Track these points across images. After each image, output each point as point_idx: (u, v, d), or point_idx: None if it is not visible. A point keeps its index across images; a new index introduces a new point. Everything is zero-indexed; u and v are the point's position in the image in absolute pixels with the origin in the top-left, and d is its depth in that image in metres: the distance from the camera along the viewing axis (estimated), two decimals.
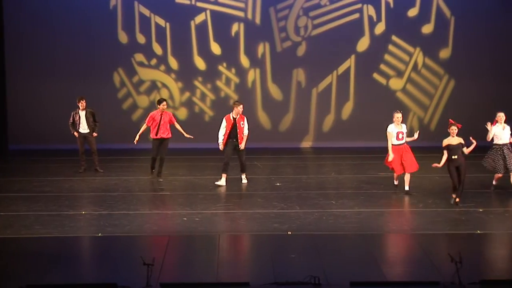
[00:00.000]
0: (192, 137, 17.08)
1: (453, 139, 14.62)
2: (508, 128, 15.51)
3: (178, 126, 17.29)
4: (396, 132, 15.40)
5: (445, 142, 14.64)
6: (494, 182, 15.68)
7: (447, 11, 21.61)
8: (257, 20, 21.81)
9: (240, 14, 21.81)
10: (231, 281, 10.55)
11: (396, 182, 15.88)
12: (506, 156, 15.38)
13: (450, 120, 14.92)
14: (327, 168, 18.90)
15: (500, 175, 15.52)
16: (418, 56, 21.79)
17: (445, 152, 14.56)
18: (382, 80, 21.85)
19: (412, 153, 15.51)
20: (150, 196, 15.89)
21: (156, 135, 16.98)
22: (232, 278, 10.69)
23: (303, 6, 21.78)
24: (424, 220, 13.94)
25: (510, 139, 15.53)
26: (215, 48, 21.88)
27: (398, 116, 15.46)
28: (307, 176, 17.89)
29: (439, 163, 14.58)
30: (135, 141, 16.99)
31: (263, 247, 12.32)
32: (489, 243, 12.58)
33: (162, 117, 16.85)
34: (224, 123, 16.62)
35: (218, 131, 16.62)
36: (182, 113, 21.72)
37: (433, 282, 10.43)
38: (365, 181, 17.07)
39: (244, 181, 17.02)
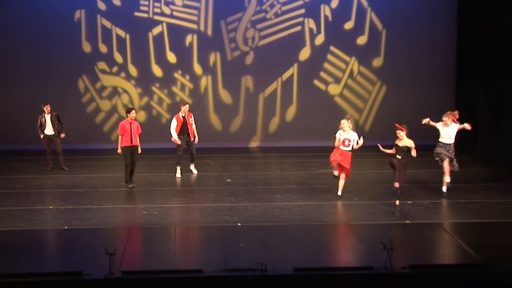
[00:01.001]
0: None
1: (401, 141, 14.34)
2: (454, 126, 14.99)
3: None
4: (343, 138, 14.94)
5: (396, 142, 14.42)
6: (447, 180, 15.08)
7: (379, 24, 21.77)
8: (209, 32, 21.77)
9: (194, 26, 21.75)
10: (186, 268, 10.53)
11: (336, 173, 15.24)
12: (451, 155, 14.96)
13: (395, 124, 14.58)
14: (272, 165, 18.93)
15: (446, 166, 14.98)
16: (354, 64, 21.92)
17: (394, 148, 14.43)
18: (322, 86, 21.94)
19: (349, 161, 15.03)
20: (113, 192, 15.79)
21: (131, 142, 16.06)
22: (187, 266, 10.66)
23: (251, 19, 21.79)
24: (359, 212, 14.05)
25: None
26: (171, 57, 21.80)
27: (347, 123, 14.95)
28: (255, 172, 17.91)
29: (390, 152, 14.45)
30: (119, 151, 16.22)
31: (215, 238, 12.31)
32: (417, 232, 12.72)
33: (132, 126, 16.17)
34: (174, 122, 17.13)
35: (170, 130, 17.09)
36: (141, 116, 21.58)
37: (367, 267, 10.52)
38: (307, 177, 17.13)
39: (195, 171, 17.28)
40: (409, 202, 14.40)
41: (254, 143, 22.06)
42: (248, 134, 22.05)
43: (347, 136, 14.91)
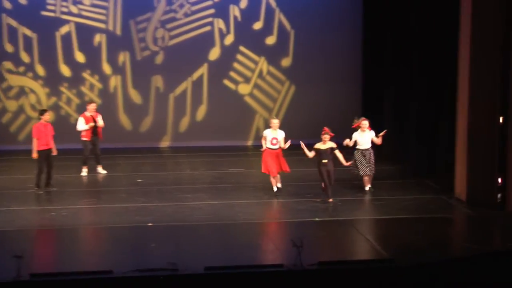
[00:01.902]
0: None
1: (323, 145, 14.48)
2: (370, 133, 15.22)
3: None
4: (271, 137, 14.98)
5: (316, 146, 14.50)
6: (366, 187, 15.35)
7: (287, 25, 21.95)
8: (118, 31, 21.53)
9: (102, 26, 21.47)
10: (96, 269, 10.40)
11: (277, 186, 15.18)
12: (369, 160, 15.15)
13: (325, 128, 14.62)
14: (183, 165, 18.87)
15: (367, 177, 15.28)
16: (263, 64, 22.03)
17: (313, 152, 14.56)
18: (232, 86, 21.98)
19: (282, 158, 15.10)
20: (20, 193, 15.44)
21: (47, 145, 15.70)
22: (97, 267, 10.53)
23: (160, 19, 21.64)
24: (269, 210, 14.14)
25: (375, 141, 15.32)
26: (79, 57, 21.46)
27: (274, 122, 15.02)
28: (166, 172, 17.82)
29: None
30: (34, 156, 15.75)
31: (125, 238, 12.20)
32: (327, 229, 12.88)
33: (46, 128, 15.75)
34: (82, 120, 17.16)
35: (77, 129, 17.26)
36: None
37: (277, 265, 10.60)
38: (217, 177, 17.14)
39: (103, 171, 17.16)
40: (318, 200, 14.57)
41: (164, 143, 21.93)
42: (158, 134, 21.91)
43: (275, 135, 14.97)
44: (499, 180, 14.12)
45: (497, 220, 13.37)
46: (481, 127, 14.16)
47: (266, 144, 15.04)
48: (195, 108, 21.99)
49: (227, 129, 21.75)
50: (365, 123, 15.26)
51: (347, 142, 15.08)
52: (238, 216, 13.56)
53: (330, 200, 14.44)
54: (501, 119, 14.02)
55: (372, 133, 15.29)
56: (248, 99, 22.14)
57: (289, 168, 15.20)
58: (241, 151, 20.72)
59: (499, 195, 14.12)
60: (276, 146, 15.01)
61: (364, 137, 15.23)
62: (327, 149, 14.39)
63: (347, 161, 14.64)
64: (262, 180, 16.05)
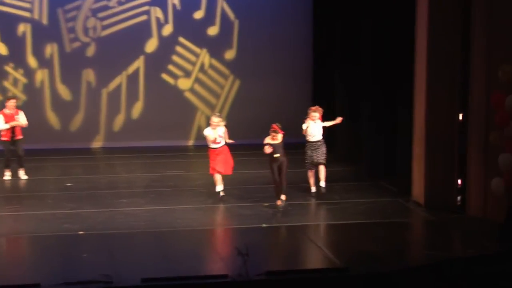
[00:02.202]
0: None
1: (276, 141, 14.42)
2: (320, 124, 15.23)
3: None
4: (213, 137, 14.86)
5: (267, 140, 14.43)
6: (321, 183, 15.31)
7: (231, 14, 21.95)
8: (45, 21, 21.26)
9: (27, 14, 21.17)
10: (22, 283, 10.23)
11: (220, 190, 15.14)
12: (317, 150, 15.16)
13: (273, 125, 14.51)
14: (118, 167, 18.74)
15: (313, 170, 15.27)
16: (205, 57, 22.01)
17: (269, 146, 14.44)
18: (171, 80, 21.91)
19: (230, 156, 15.06)
20: None
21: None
22: (23, 280, 10.37)
23: (91, 8, 21.45)
24: (212, 216, 14.11)
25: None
26: (1, 48, 21.14)
27: (215, 120, 14.90)
28: (98, 176, 17.66)
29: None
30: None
31: (53, 248, 12.05)
32: (275, 236, 12.91)
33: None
34: (1, 119, 16.84)
35: None
36: None
37: (221, 275, 10.57)
38: (155, 180, 17.06)
39: (24, 177, 16.91)
40: (266, 205, 14.57)
41: (97, 143, 21.75)
42: (90, 134, 21.72)
43: (216, 134, 14.90)
44: (459, 181, 14.29)
45: (457, 225, 13.54)
46: (440, 125, 14.30)
47: (210, 145, 14.96)
48: (130, 105, 21.86)
49: (166, 127, 21.66)
50: (314, 114, 15.18)
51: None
52: (178, 223, 13.49)
53: (283, 198, 14.36)
54: (460, 116, 14.20)
55: (320, 123, 15.28)
56: (188, 95, 22.09)
57: (232, 170, 15.12)
58: (181, 151, 20.65)
59: (458, 198, 14.31)
60: (220, 145, 14.94)
61: (313, 127, 15.22)
62: (279, 143, 14.34)
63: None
64: (205, 183, 16.00)
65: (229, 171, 15.10)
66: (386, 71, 16.78)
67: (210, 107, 22.11)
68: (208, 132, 15.00)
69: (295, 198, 15.18)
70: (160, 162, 19.11)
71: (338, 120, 15.38)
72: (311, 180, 15.40)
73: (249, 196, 15.30)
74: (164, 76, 21.91)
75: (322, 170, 15.24)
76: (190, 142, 21.76)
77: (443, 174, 14.37)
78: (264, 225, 13.31)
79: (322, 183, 15.30)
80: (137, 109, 21.90)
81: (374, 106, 17.20)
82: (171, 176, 17.47)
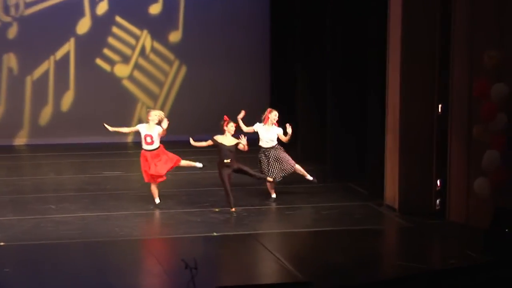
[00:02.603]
0: None
1: (226, 139, 14.46)
2: (277, 129, 15.27)
3: None
4: (144, 134, 14.70)
5: (217, 138, 14.42)
6: (272, 194, 15.47)
7: None
8: None
9: None
10: None
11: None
12: (270, 160, 15.22)
13: (225, 116, 14.60)
14: (45, 168, 18.64)
15: (270, 180, 15.30)
16: (146, 39, 21.97)
17: (209, 141, 14.49)
18: (106, 67, 21.83)
19: (165, 159, 14.89)
20: None
21: None
22: None
23: None
24: (156, 223, 14.13)
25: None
26: None
27: (153, 114, 14.77)
28: (22, 177, 17.58)
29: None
30: None
31: None
32: (227, 246, 12.95)
33: None
34: None
35: None
36: None
37: None
38: (89, 182, 17.02)
39: None
40: (217, 210, 14.61)
41: (20, 140, 21.63)
42: (12, 129, 21.59)
43: (150, 131, 14.72)
44: (438, 182, 14.45)
45: (436, 232, 13.70)
46: (416, 117, 14.43)
47: (142, 145, 14.86)
48: (59, 95, 21.76)
49: (101, 121, 21.55)
50: (273, 115, 15.25)
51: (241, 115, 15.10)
52: (116, 232, 13.49)
53: (233, 209, 14.50)
54: (440, 108, 14.32)
55: (279, 130, 15.33)
56: (127, 84, 22.04)
57: (165, 173, 14.97)
58: (119, 149, 20.59)
59: (437, 201, 14.45)
60: (153, 146, 14.75)
61: (268, 132, 15.29)
62: (231, 145, 14.36)
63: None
64: (147, 185, 16.02)
65: (161, 171, 14.72)
66: (354, 56, 16.83)
67: (153, 98, 22.07)
68: (140, 129, 14.80)
69: (251, 202, 15.24)
70: (95, 162, 19.07)
71: (289, 130, 15.26)
72: (270, 187, 15.51)
73: (198, 200, 15.33)
74: (99, 61, 21.82)
75: (296, 169, 15.48)
76: (129, 139, 21.65)
77: (420, 174, 14.48)
78: (215, 234, 13.35)
79: (309, 177, 15.52)
80: (67, 100, 21.81)
81: (340, 96, 17.22)
82: (107, 177, 17.43)
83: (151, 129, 14.73)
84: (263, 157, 15.30)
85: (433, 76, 14.37)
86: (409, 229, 13.87)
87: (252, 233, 13.44)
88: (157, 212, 14.71)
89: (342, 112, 17.23)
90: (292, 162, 15.42)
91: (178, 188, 15.80)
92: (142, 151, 14.86)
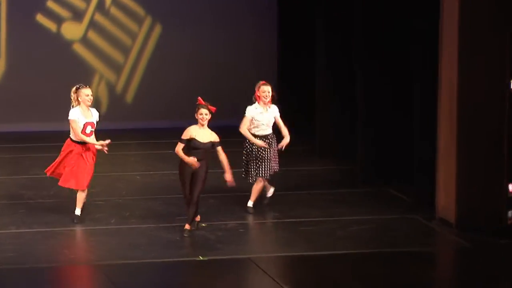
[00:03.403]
0: None
1: (202, 132, 14.30)
2: (273, 109, 15.36)
3: None
4: (84, 122, 14.69)
5: (189, 131, 14.25)
6: (267, 194, 15.72)
7: None
8: None
9: None
10: None
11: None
12: (268, 154, 15.29)
13: (199, 98, 14.42)
14: None
15: (262, 181, 15.44)
16: None
17: (180, 144, 14.28)
18: (51, 25, 21.83)
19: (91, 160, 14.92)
20: None
21: None
22: None
23: None
24: (118, 242, 14.08)
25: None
26: None
27: (87, 93, 14.73)
28: None
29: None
30: None
31: None
32: (217, 274, 12.92)
33: None
34: None
35: None
36: None
37: None
38: (27, 186, 17.13)
39: None
40: (203, 225, 14.60)
41: None
42: None
43: (90, 119, 14.72)
44: (510, 188, 14.43)
45: (507, 255, 13.64)
46: (481, 102, 14.46)
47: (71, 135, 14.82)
48: None
49: (44, 102, 21.58)
50: (265, 90, 15.23)
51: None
52: (64, 254, 13.51)
53: (187, 227, 14.36)
54: None
55: (275, 109, 15.36)
56: (79, 49, 22.06)
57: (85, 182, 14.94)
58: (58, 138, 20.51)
59: (510, 213, 14.43)
60: (91, 139, 14.75)
61: (264, 115, 15.31)
62: (208, 142, 14.25)
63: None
64: (108, 190, 15.98)
65: (82, 184, 14.81)
66: (391, 26, 17.00)
67: (114, 68, 22.07)
68: (75, 115, 14.73)
69: (248, 213, 15.32)
70: (33, 158, 19.22)
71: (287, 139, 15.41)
72: (261, 189, 15.59)
73: (176, 211, 15.37)
74: (40, 18, 21.83)
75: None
76: None
77: (485, 177, 14.52)
78: (201, 258, 13.34)
79: (271, 191, 15.71)
80: None
81: (371, 75, 17.32)
82: (49, 181, 17.42)
83: (90, 115, 14.79)
84: (253, 149, 15.30)
85: (503, 42, 14.32)
86: (471, 251, 13.85)
87: (251, 257, 13.41)
88: (121, 228, 14.71)
89: (374, 95, 17.28)
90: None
91: (146, 194, 15.78)
92: (69, 142, 14.89)
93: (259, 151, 15.25)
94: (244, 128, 15.24)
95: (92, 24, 22.06)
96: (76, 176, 14.80)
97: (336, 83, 18.78)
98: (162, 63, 22.04)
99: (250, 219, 15.14)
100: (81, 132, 14.66)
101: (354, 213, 15.46)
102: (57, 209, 15.56)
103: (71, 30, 22.03)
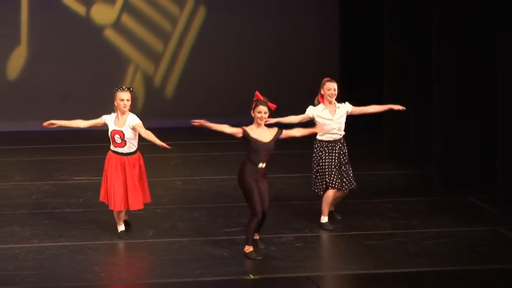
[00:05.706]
0: None
1: (260, 131, 14.14)
2: (344, 109, 15.25)
3: None
4: (112, 129, 14.58)
5: (247, 129, 14.00)
6: (332, 208, 15.64)
7: None
8: None
9: None
10: None
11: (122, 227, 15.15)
12: (341, 163, 15.24)
13: (257, 93, 14.19)
14: None
15: (335, 192, 15.30)
16: None
17: (240, 132, 14.09)
18: (79, 8, 21.93)
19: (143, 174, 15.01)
20: None
21: None
22: None
23: None
24: (157, 258, 14.06)
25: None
26: None
27: (122, 97, 14.47)
28: None
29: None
30: None
31: None
32: None
33: None
34: None
35: None
36: None
37: None
38: (51, 193, 17.20)
39: None
40: (262, 247, 14.57)
41: None
42: None
43: (120, 126, 14.58)
44: None
45: None
46: None
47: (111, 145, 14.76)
48: (5, 55, 21.89)
49: (68, 95, 21.64)
50: (331, 88, 15.14)
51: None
52: (94, 272, 13.46)
53: (256, 237, 14.38)
54: None
55: (347, 106, 15.28)
56: (111, 35, 22.13)
57: (147, 199, 15.03)
58: (98, 140, 20.48)
59: None
60: (126, 149, 14.72)
61: (332, 115, 15.22)
62: (269, 141, 14.12)
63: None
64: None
65: (137, 205, 14.87)
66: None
67: (151, 58, 22.13)
68: (107, 121, 14.69)
69: (307, 225, 15.37)
70: (59, 160, 19.37)
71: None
72: (329, 203, 15.50)
73: (223, 222, 15.45)
74: (67, 0, 21.89)
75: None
76: None
77: None
78: (251, 277, 13.30)
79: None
80: (16, 62, 21.92)
81: (451, 69, 17.33)
82: (79, 185, 17.41)
83: (123, 122, 14.65)
84: (325, 154, 15.21)
85: None
86: None
87: (309, 275, 13.36)
88: (160, 241, 14.76)
89: (456, 90, 17.33)
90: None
91: (190, 203, 15.75)
92: (110, 153, 14.82)
93: (325, 154, 15.17)
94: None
95: (126, 7, 22.17)
96: (113, 194, 14.75)
97: (406, 74, 18.81)
98: (206, 52, 22.08)
99: (308, 232, 15.08)
100: (111, 139, 14.63)
101: (429, 225, 15.44)
102: (86, 220, 15.64)
103: (102, 14, 22.16)
